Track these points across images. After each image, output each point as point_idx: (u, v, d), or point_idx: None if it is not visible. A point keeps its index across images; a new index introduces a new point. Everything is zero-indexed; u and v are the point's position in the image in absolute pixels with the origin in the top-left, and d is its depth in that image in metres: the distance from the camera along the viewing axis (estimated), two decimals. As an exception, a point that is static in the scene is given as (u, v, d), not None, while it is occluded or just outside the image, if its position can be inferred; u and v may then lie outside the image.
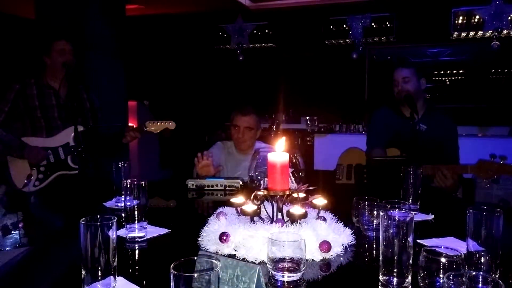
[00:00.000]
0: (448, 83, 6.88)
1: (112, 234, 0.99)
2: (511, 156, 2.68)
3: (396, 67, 2.82)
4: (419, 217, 1.70)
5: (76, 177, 2.84)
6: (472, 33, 5.83)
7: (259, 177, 1.53)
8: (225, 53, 7.28)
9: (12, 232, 3.09)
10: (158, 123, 2.79)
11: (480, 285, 0.83)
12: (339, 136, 5.68)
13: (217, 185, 2.35)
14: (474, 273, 0.85)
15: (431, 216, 1.73)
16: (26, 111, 2.82)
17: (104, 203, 1.93)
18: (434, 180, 2.38)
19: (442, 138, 2.69)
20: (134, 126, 2.97)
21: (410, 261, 1.04)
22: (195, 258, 0.86)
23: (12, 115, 2.81)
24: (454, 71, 6.82)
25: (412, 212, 1.12)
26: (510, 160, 2.37)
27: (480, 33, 5.76)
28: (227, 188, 2.33)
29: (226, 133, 2.94)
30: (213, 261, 0.84)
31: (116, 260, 1.01)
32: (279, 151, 1.35)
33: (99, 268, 0.98)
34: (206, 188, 2.35)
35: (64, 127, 2.85)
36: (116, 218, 1.00)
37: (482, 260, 1.09)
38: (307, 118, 6.28)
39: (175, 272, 0.78)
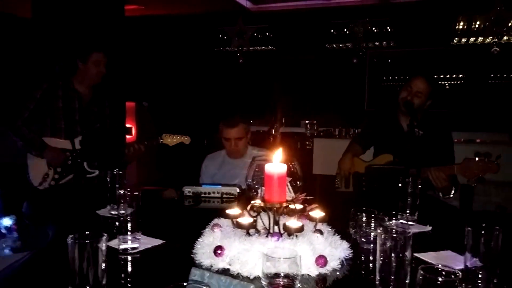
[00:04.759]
0: (447, 87, 6.86)
1: (102, 251, 0.96)
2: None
3: (418, 75, 2.74)
4: (417, 228, 1.68)
5: (88, 180, 2.90)
6: (472, 39, 5.81)
7: (257, 186, 1.51)
8: (225, 55, 7.25)
9: (7, 236, 3.07)
10: (174, 137, 2.83)
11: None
12: (339, 140, 5.63)
13: (214, 193, 2.32)
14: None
15: (429, 228, 1.71)
16: (49, 111, 2.85)
17: (97, 211, 1.90)
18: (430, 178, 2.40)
19: (437, 143, 2.68)
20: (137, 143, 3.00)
21: (408, 278, 1.02)
22: (185, 284, 0.83)
23: (35, 113, 2.84)
24: (454, 75, 6.80)
25: (410, 222, 1.10)
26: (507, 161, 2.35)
27: (480, 39, 5.75)
28: (224, 196, 2.31)
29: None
30: (204, 287, 0.81)
31: (105, 277, 0.98)
32: (276, 162, 1.32)
33: (87, 286, 0.95)
34: (202, 195, 2.33)
35: (83, 131, 2.92)
36: (106, 235, 0.97)
37: (480, 276, 1.08)
38: (307, 122, 6.24)
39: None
